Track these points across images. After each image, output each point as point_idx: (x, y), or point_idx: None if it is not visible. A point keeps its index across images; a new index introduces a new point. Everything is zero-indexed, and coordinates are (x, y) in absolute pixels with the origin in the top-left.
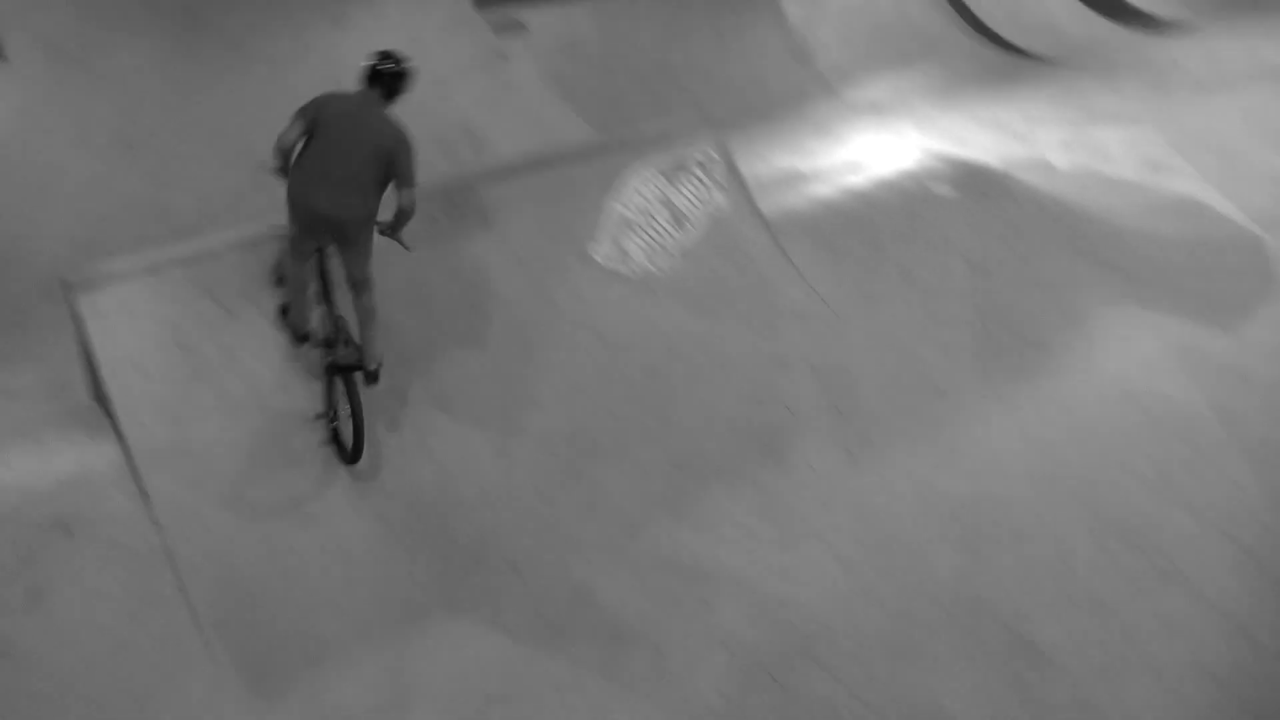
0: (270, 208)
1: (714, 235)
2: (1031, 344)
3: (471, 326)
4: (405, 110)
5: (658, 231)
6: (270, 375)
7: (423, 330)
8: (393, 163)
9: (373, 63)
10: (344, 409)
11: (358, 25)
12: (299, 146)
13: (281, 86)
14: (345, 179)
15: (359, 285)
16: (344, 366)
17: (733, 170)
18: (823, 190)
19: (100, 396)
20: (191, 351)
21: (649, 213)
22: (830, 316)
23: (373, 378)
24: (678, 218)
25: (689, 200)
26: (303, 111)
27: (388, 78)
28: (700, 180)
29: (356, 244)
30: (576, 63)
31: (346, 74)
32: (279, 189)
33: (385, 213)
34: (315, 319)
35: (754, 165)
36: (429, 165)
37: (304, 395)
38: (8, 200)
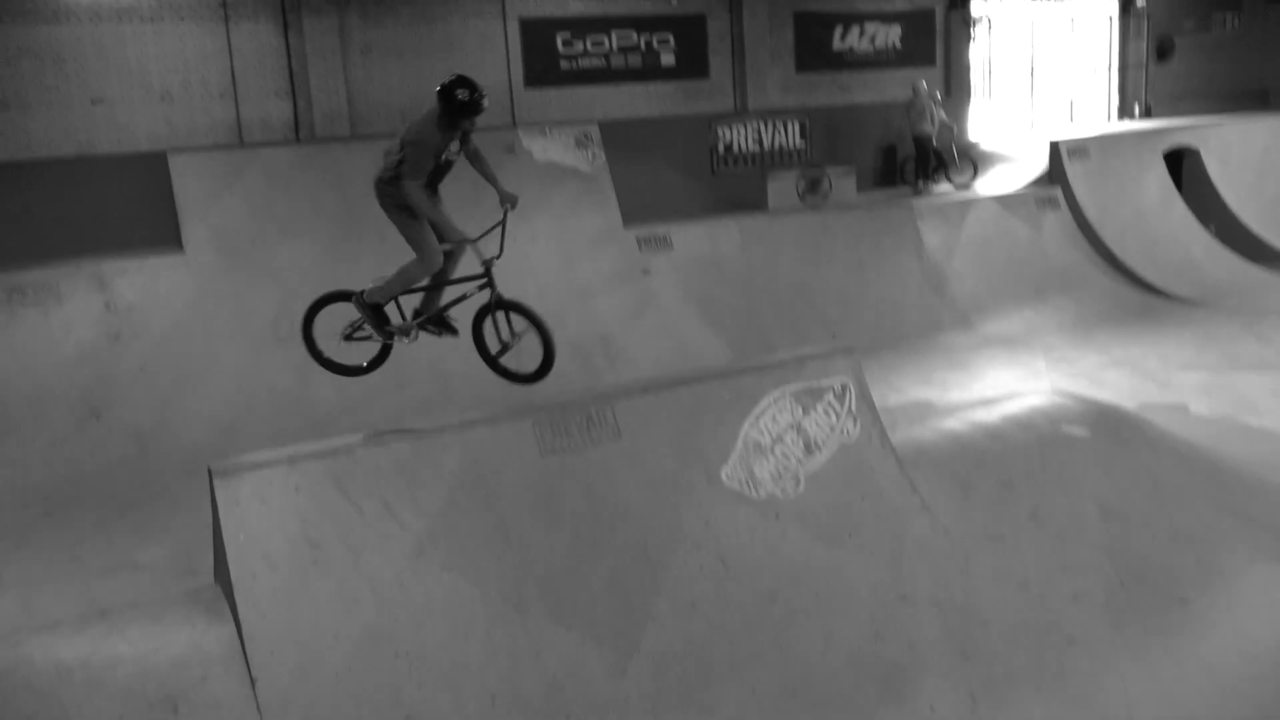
0: (400, 411)
1: (843, 463)
2: (1170, 599)
3: (595, 539)
4: (552, 319)
5: (788, 457)
6: (389, 572)
7: (547, 538)
8: None
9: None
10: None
11: (507, 233)
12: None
13: None
14: None
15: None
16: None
17: (865, 399)
18: (953, 424)
19: (224, 580)
20: (317, 544)
21: (780, 437)
22: (957, 553)
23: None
24: (808, 444)
25: (820, 427)
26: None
27: (456, 105)
28: (833, 408)
29: None
30: (716, 280)
31: (495, 275)
32: (416, 387)
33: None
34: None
35: (886, 395)
36: (565, 374)
37: (421, 597)
38: (166, 381)
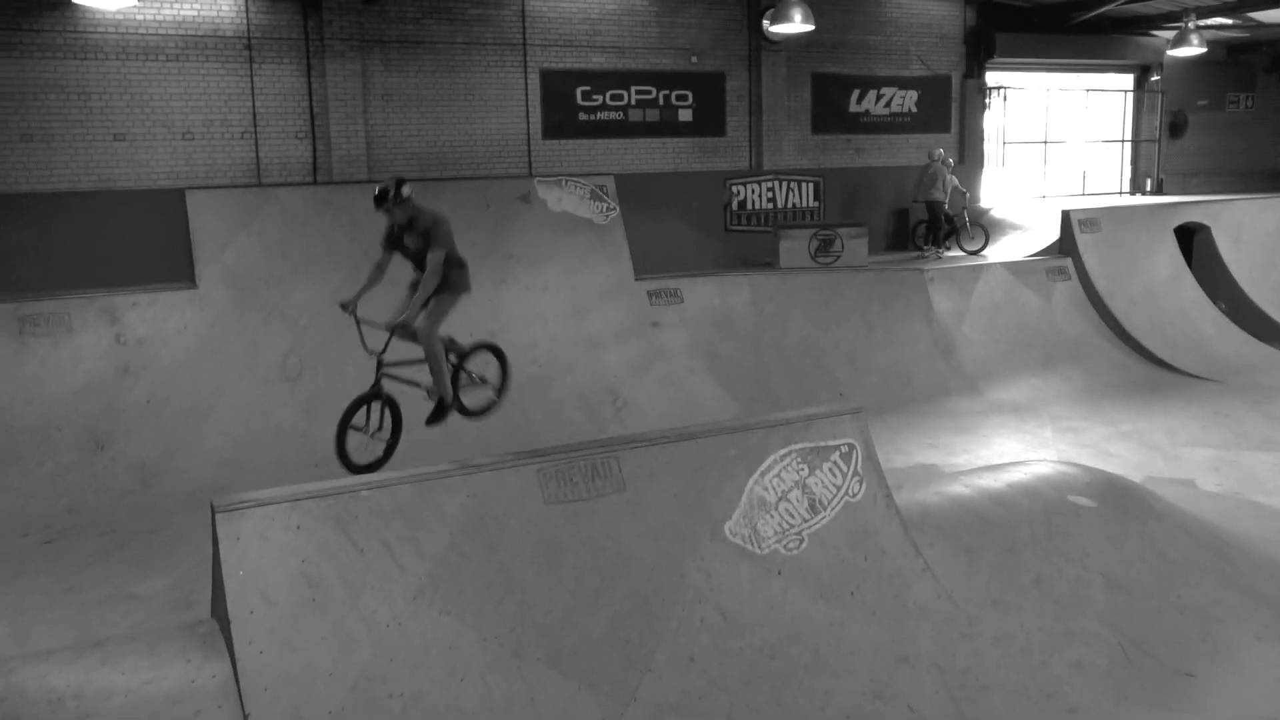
0: (403, 453)
1: (847, 523)
2: (1174, 672)
3: (596, 588)
4: (561, 368)
5: (792, 514)
6: (387, 613)
7: (547, 586)
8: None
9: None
10: None
11: (519, 282)
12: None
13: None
14: None
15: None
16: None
17: (871, 460)
18: (959, 489)
19: (221, 615)
20: (315, 583)
21: (785, 495)
22: (959, 617)
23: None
24: (813, 503)
25: (826, 486)
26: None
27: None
28: (839, 468)
29: None
30: (726, 336)
31: (504, 323)
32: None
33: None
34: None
35: (892, 457)
36: (571, 423)
37: (419, 639)
38: (172, 415)
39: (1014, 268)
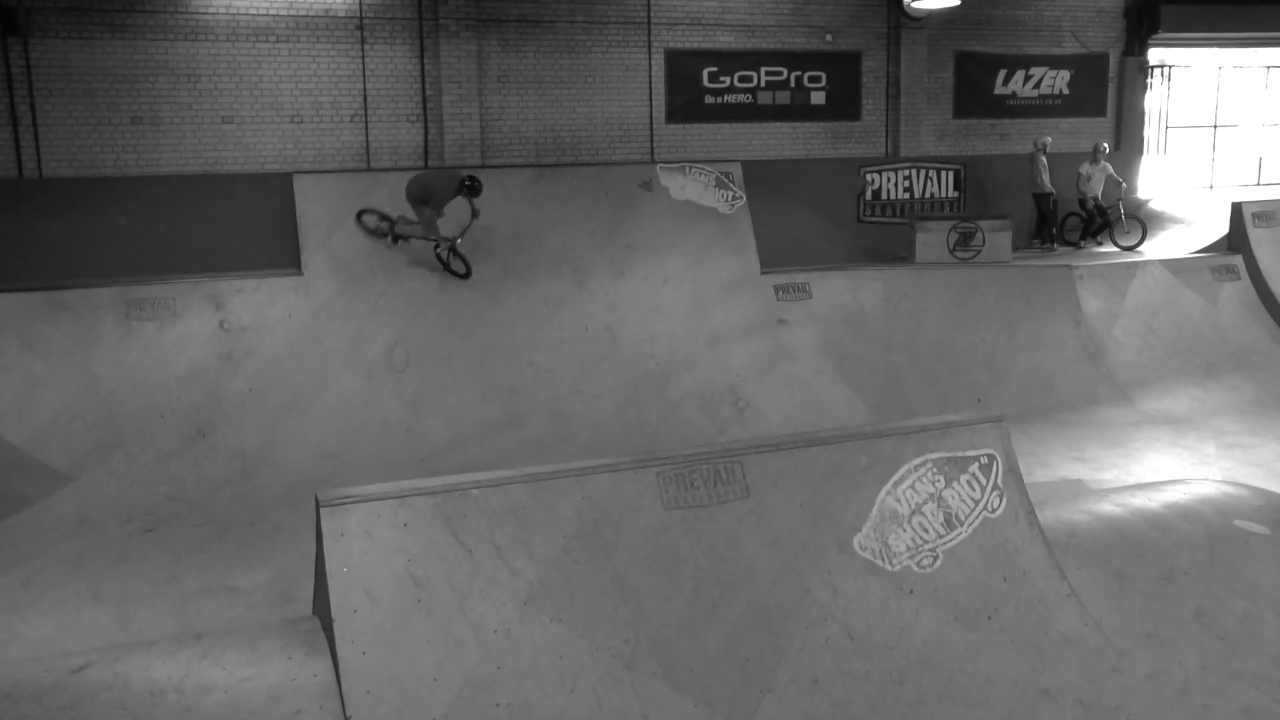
0: (515, 450)
1: (985, 541)
2: None
3: (715, 600)
4: (681, 366)
5: (926, 529)
6: (495, 618)
7: (663, 595)
8: None
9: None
10: None
11: (638, 274)
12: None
13: (553, 326)
14: None
15: None
16: None
17: (1013, 473)
18: (1108, 508)
19: (323, 612)
20: (422, 584)
21: (919, 508)
22: (1108, 650)
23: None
24: (949, 518)
25: (963, 500)
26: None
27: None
28: (978, 480)
29: None
30: (856, 335)
31: (621, 316)
32: (532, 427)
33: None
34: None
35: (1034, 470)
36: (691, 423)
37: (528, 646)
38: (274, 404)
39: (1175, 265)
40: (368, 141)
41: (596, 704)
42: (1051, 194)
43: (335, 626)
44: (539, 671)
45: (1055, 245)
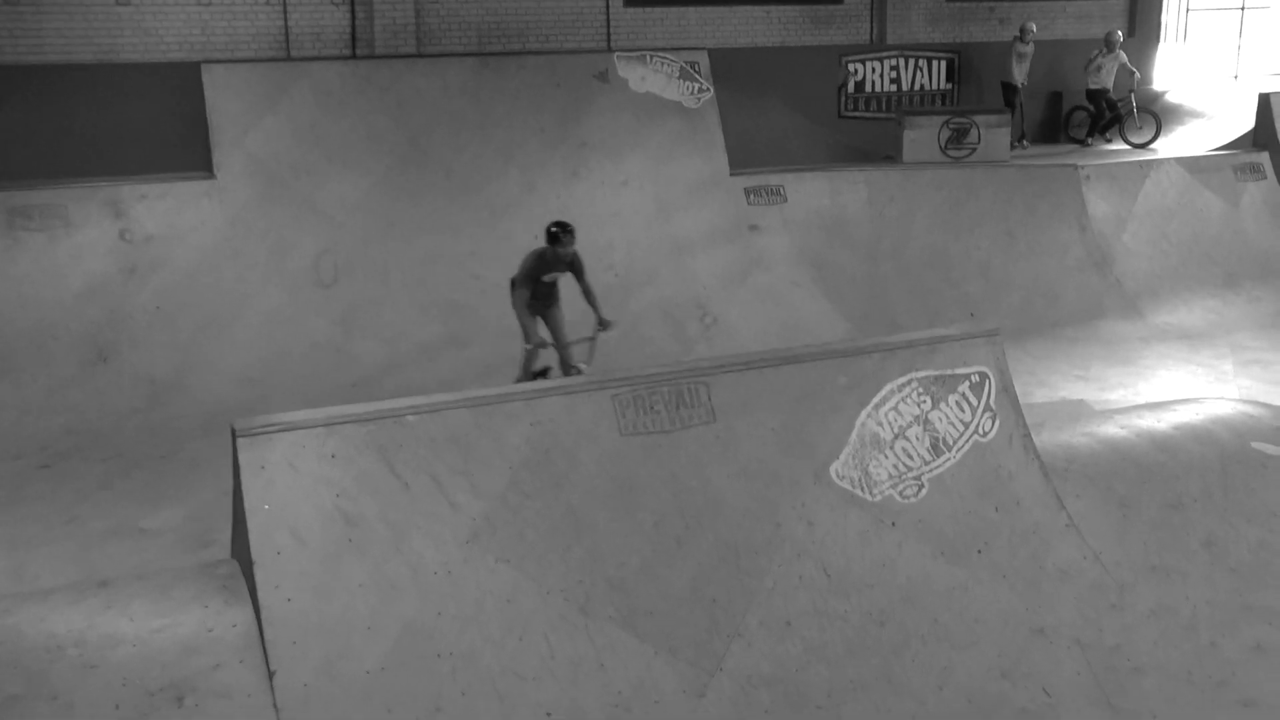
0: (458, 373)
1: (976, 468)
2: None
3: (679, 536)
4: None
5: (910, 455)
6: (436, 558)
7: (622, 532)
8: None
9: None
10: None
11: (594, 175)
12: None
13: (500, 234)
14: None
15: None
16: None
17: (1008, 393)
18: (1113, 430)
19: (243, 555)
20: (354, 521)
21: (903, 432)
22: (1110, 585)
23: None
24: (936, 442)
25: (952, 423)
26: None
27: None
28: (968, 401)
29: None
30: (836, 242)
31: (575, 222)
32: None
33: None
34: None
35: (1032, 389)
36: (653, 341)
37: (472, 590)
38: (187, 325)
39: (1192, 164)
40: (287, 26)
41: (548, 652)
42: (1018, 86)
43: (256, 570)
44: (484, 617)
45: (1025, 143)
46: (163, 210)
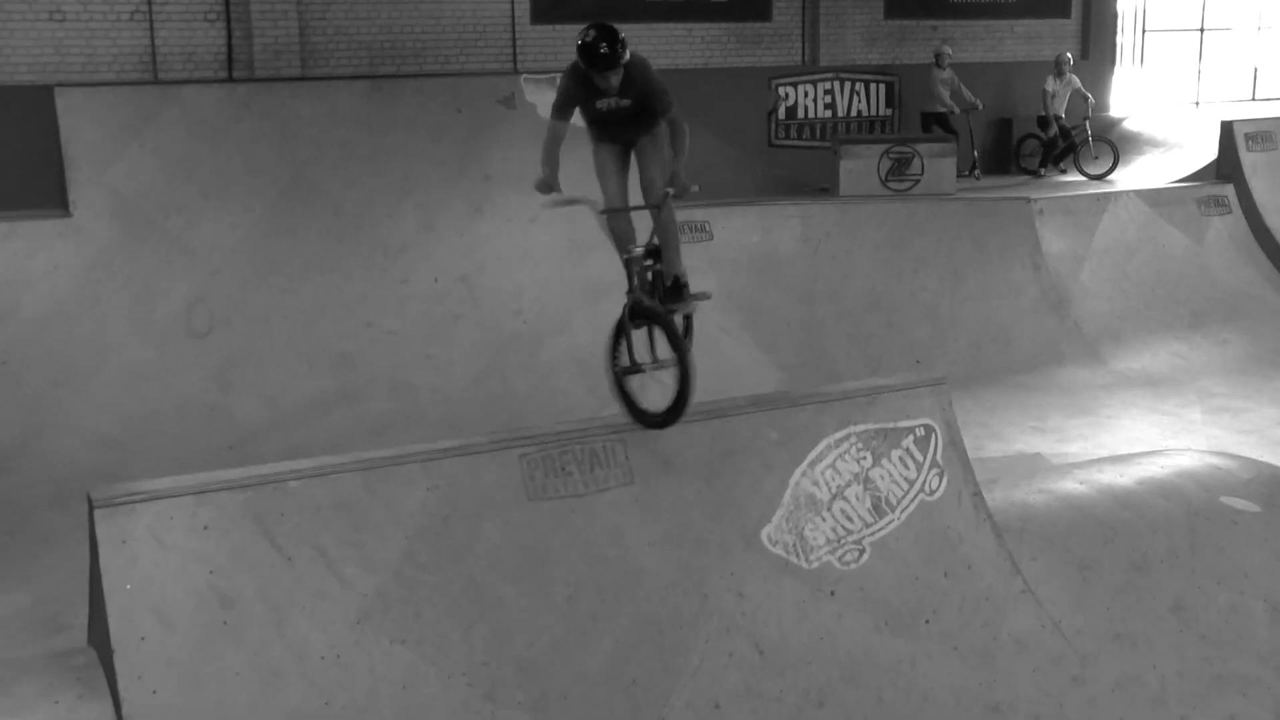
0: (350, 432)
1: (922, 529)
2: None
3: (595, 611)
4: (554, 324)
5: (850, 517)
6: (323, 641)
7: (531, 608)
8: None
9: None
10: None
11: (500, 211)
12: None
13: (395, 278)
14: None
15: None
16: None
17: (956, 448)
18: (1073, 486)
19: (100, 641)
20: (229, 601)
21: (841, 492)
22: (1070, 656)
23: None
24: (878, 503)
25: (895, 481)
26: None
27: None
28: (912, 457)
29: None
30: (768, 284)
31: (479, 263)
32: (372, 403)
33: None
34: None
35: (984, 443)
36: (566, 395)
37: (364, 676)
38: (37, 381)
39: (1153, 197)
40: (154, 45)
41: None
42: (947, 112)
43: (116, 659)
44: (379, 706)
45: (977, 174)
46: (9, 252)
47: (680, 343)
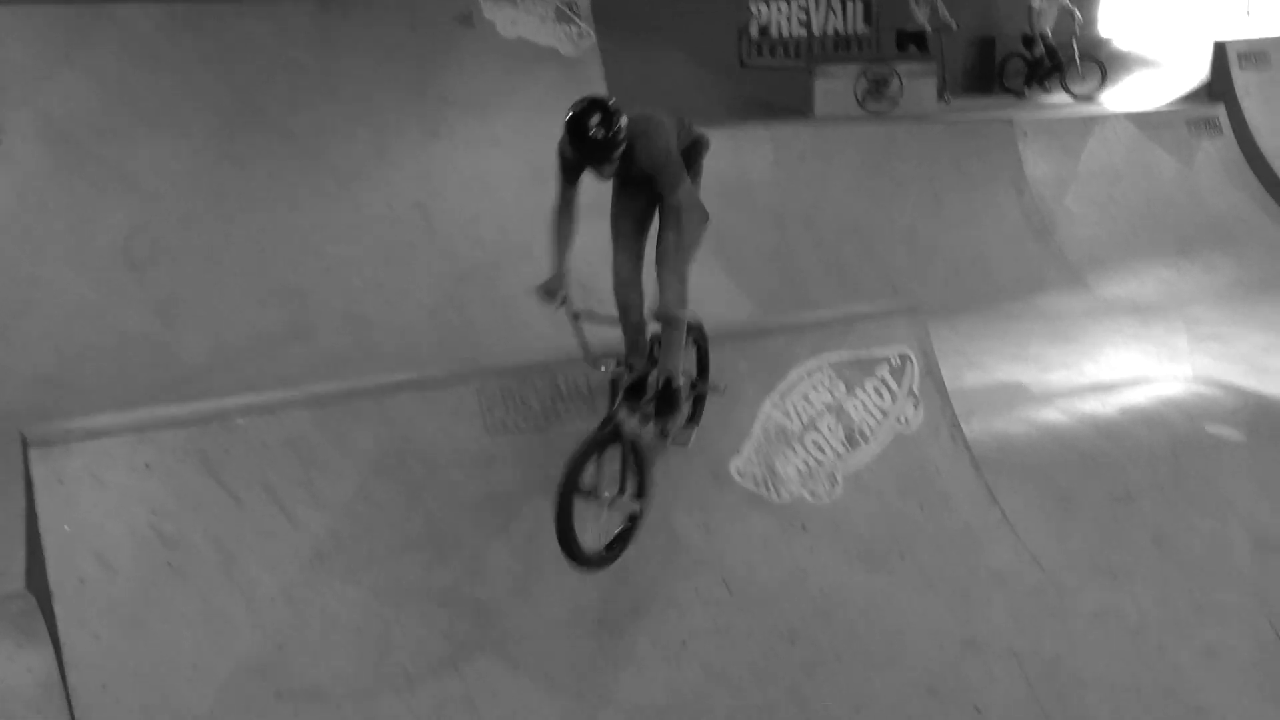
0: (301, 368)
1: (897, 461)
2: None
3: (556, 549)
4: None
5: (822, 449)
6: (274, 586)
7: (491, 546)
8: None
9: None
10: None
11: (457, 135)
12: None
13: (348, 206)
14: None
15: None
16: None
17: (933, 377)
18: (1054, 416)
19: (39, 585)
20: (173, 543)
21: (813, 423)
22: (1049, 589)
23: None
24: (851, 434)
25: (869, 412)
26: None
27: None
28: (888, 386)
29: None
30: (738, 209)
31: (435, 189)
32: (324, 337)
33: None
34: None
35: (963, 373)
36: (526, 325)
37: (316, 618)
38: None
39: (1141, 119)
40: None
41: (407, 688)
42: (924, 31)
43: (56, 604)
44: (332, 650)
45: (947, 98)
46: None
47: (649, 489)
